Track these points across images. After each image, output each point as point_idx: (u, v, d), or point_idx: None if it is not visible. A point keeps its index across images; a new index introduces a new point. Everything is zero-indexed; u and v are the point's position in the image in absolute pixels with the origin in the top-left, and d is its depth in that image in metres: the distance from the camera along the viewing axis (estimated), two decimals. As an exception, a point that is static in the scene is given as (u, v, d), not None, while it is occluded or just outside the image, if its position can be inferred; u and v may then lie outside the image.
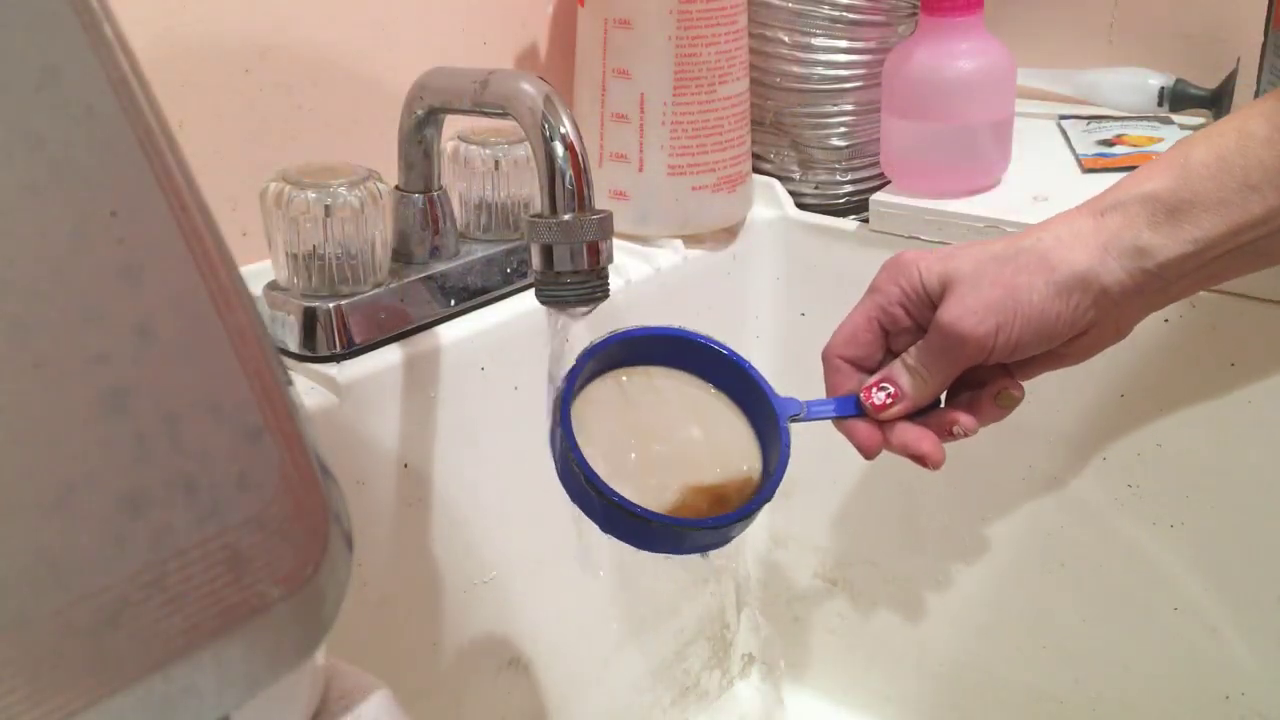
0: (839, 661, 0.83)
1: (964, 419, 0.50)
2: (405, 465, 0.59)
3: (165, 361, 0.29)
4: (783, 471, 0.48)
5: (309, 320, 0.56)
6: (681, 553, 0.46)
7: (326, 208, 0.55)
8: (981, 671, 0.78)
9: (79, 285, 0.28)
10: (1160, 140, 0.79)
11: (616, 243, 0.53)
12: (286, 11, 0.64)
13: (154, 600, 0.27)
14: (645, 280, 0.69)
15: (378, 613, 0.59)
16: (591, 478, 0.44)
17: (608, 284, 0.51)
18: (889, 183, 0.75)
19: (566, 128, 0.50)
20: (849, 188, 0.79)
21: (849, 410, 0.51)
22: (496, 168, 0.64)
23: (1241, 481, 0.65)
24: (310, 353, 0.56)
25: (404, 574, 0.60)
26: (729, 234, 0.75)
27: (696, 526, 0.45)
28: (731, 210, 0.74)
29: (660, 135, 0.69)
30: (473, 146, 0.64)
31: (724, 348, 0.50)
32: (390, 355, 0.57)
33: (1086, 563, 0.72)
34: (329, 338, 0.56)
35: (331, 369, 0.56)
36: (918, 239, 0.71)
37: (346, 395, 0.55)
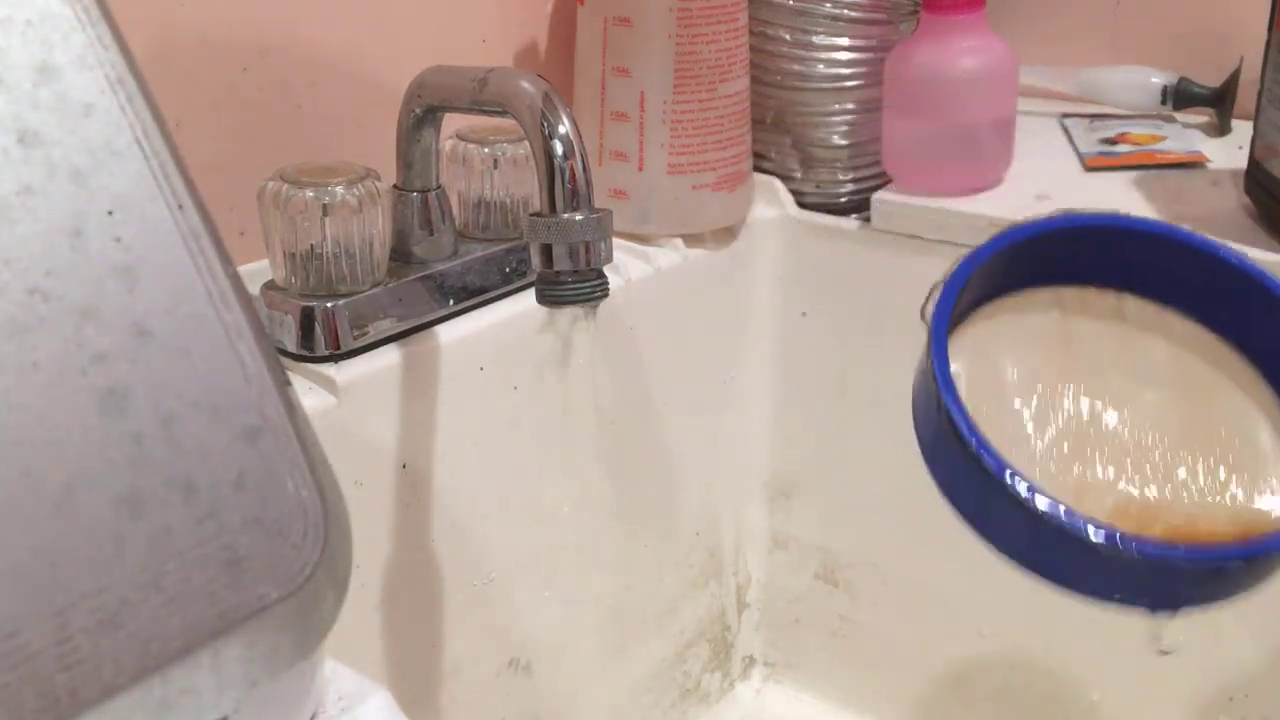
0: (840, 663, 0.83)
1: None
2: (405, 466, 0.58)
3: (163, 361, 0.29)
4: None
5: (307, 320, 0.56)
6: (1122, 599, 0.27)
7: (324, 207, 0.55)
8: (982, 672, 0.77)
9: (77, 285, 0.28)
10: (1163, 139, 0.79)
11: (616, 242, 0.53)
12: (286, 11, 0.64)
13: (152, 601, 0.27)
14: (645, 280, 0.69)
15: (378, 613, 0.59)
16: (961, 427, 0.25)
17: (607, 283, 0.51)
18: (891, 181, 0.75)
19: (566, 126, 0.50)
20: (850, 186, 0.78)
21: None
22: (495, 166, 0.63)
23: (1243, 481, 0.65)
24: (308, 352, 0.56)
25: (404, 574, 0.60)
26: (729, 233, 0.75)
27: (1171, 558, 0.26)
28: (732, 209, 0.73)
29: (660, 134, 0.69)
30: (471, 145, 0.63)
31: (1265, 276, 0.28)
32: (389, 355, 0.57)
33: (1088, 562, 0.71)
34: (327, 337, 0.56)
35: (330, 369, 0.55)
36: (920, 238, 0.71)
37: (345, 395, 0.55)
